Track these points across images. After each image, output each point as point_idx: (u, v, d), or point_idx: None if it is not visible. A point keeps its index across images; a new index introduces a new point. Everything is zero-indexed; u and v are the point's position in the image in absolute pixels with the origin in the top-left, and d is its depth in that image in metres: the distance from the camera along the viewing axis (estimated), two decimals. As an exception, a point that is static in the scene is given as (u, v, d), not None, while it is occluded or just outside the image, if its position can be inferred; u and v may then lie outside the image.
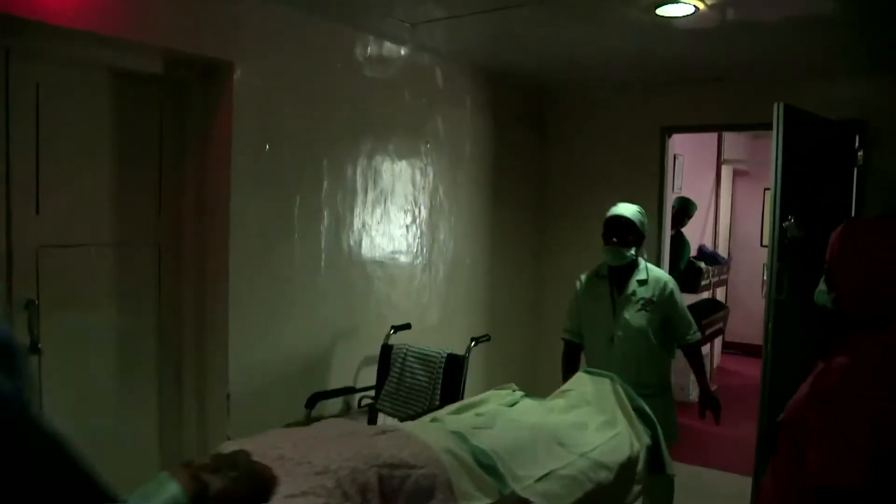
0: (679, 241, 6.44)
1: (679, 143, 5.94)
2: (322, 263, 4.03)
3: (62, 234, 3.25)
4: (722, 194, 8.84)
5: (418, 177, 4.68)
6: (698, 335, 3.76)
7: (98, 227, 3.40)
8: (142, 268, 3.58)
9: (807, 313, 3.97)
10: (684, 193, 6.71)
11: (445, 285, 4.99)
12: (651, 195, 5.49)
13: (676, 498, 4.81)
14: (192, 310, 3.71)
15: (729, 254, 8.99)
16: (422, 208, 4.73)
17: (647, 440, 3.12)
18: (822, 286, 2.41)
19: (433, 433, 2.67)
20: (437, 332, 4.79)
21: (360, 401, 4.24)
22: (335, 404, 4.13)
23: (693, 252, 7.29)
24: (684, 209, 6.53)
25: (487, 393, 3.42)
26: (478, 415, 3.10)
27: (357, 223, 4.23)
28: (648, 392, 3.47)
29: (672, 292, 3.66)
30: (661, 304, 3.62)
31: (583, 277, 3.88)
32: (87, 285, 3.38)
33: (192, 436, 3.72)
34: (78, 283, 3.34)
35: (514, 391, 3.45)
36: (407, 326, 4.38)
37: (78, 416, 3.32)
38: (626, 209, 3.71)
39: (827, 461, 2.22)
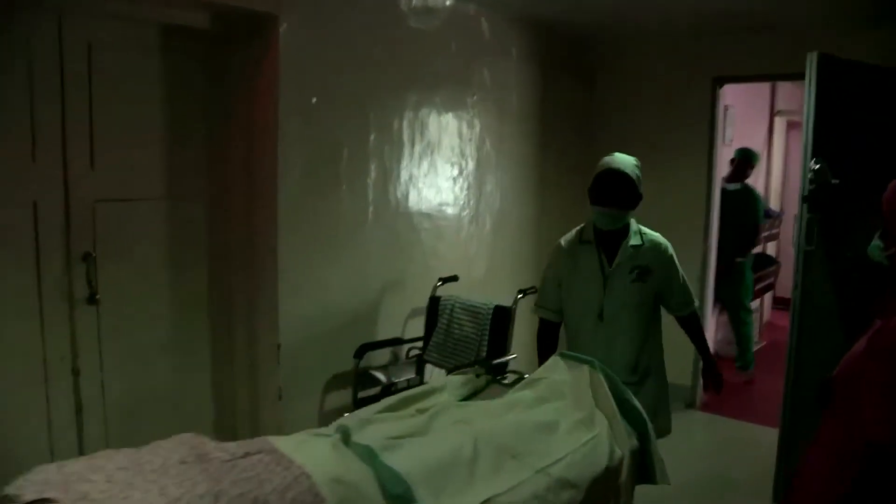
0: (748, 195, 6.20)
1: (730, 94, 5.81)
2: (369, 215, 4.06)
3: (116, 189, 3.35)
4: (775, 146, 8.64)
5: (465, 129, 4.66)
6: (697, 303, 3.34)
7: (150, 181, 3.49)
8: (193, 221, 3.66)
9: (840, 265, 3.92)
10: (735, 146, 6.54)
11: (492, 237, 5.00)
12: (700, 148, 5.40)
13: (721, 450, 4.84)
14: (242, 261, 3.78)
15: (781, 208, 8.80)
16: (469, 160, 4.71)
17: (634, 443, 2.54)
18: (876, 241, 2.36)
19: (323, 452, 2.04)
20: (484, 283, 4.81)
21: (408, 352, 4.30)
22: (383, 355, 4.19)
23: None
24: (746, 160, 6.27)
25: (444, 379, 2.92)
26: (419, 411, 2.52)
27: (404, 175, 4.24)
28: (642, 377, 3.15)
29: (672, 256, 3.17)
30: (659, 272, 3.13)
31: (562, 242, 3.28)
32: (141, 238, 3.48)
33: (245, 385, 3.83)
34: (132, 236, 3.44)
35: (477, 376, 2.93)
36: (454, 278, 4.41)
37: (133, 365, 3.45)
38: (625, 163, 3.09)
39: (880, 416, 2.20)
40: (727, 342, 6.72)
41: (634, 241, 3.12)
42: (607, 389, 2.61)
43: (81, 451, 3.26)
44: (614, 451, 2.41)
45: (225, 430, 3.82)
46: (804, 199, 3.87)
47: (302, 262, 3.73)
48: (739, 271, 6.13)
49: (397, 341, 4.25)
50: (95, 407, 3.31)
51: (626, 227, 3.14)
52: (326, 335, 3.88)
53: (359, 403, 3.84)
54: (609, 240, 3.13)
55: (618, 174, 3.04)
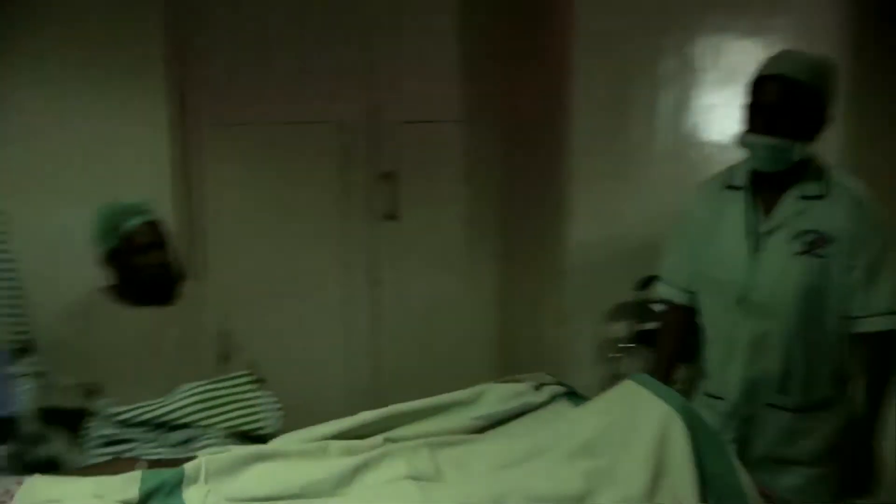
0: None
1: None
2: (662, 146, 3.91)
3: (419, 111, 3.57)
4: None
5: (767, 55, 4.31)
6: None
7: (447, 104, 3.66)
8: (486, 142, 3.79)
9: None
10: None
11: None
12: None
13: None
14: (532, 186, 3.81)
15: None
16: (772, 90, 4.37)
17: None
18: None
19: None
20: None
21: (694, 288, 4.12)
22: (666, 289, 4.07)
23: None
24: None
25: (481, 387, 2.07)
26: (390, 440, 1.77)
27: (700, 105, 4.02)
28: (809, 401, 2.04)
29: (867, 220, 1.96)
30: (846, 245, 1.94)
31: (701, 188, 2.31)
32: (439, 158, 3.68)
33: (529, 305, 3.89)
34: (431, 156, 3.64)
35: (536, 388, 2.10)
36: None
37: (426, 278, 3.67)
38: (798, 64, 1.99)
39: None
40: None
41: (810, 188, 2.01)
42: (689, 451, 1.58)
43: (376, 356, 3.51)
44: None
45: (507, 348, 3.95)
46: None
47: (592, 190, 3.68)
48: None
49: (684, 277, 4.08)
50: (390, 315, 3.54)
51: (802, 165, 2.03)
52: (613, 263, 3.80)
53: (638, 336, 3.77)
54: (772, 187, 2.05)
55: (782, 82, 1.97)
